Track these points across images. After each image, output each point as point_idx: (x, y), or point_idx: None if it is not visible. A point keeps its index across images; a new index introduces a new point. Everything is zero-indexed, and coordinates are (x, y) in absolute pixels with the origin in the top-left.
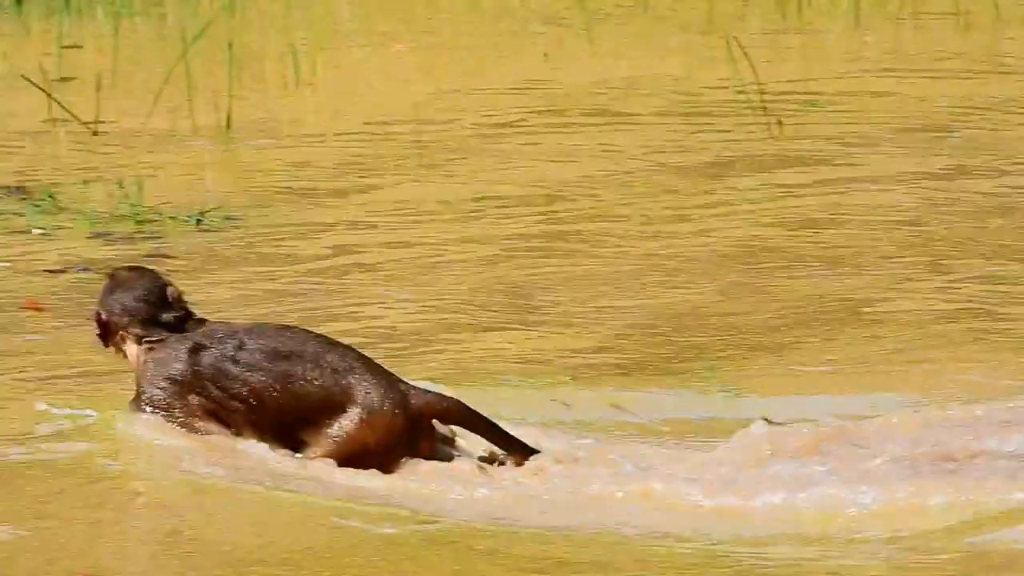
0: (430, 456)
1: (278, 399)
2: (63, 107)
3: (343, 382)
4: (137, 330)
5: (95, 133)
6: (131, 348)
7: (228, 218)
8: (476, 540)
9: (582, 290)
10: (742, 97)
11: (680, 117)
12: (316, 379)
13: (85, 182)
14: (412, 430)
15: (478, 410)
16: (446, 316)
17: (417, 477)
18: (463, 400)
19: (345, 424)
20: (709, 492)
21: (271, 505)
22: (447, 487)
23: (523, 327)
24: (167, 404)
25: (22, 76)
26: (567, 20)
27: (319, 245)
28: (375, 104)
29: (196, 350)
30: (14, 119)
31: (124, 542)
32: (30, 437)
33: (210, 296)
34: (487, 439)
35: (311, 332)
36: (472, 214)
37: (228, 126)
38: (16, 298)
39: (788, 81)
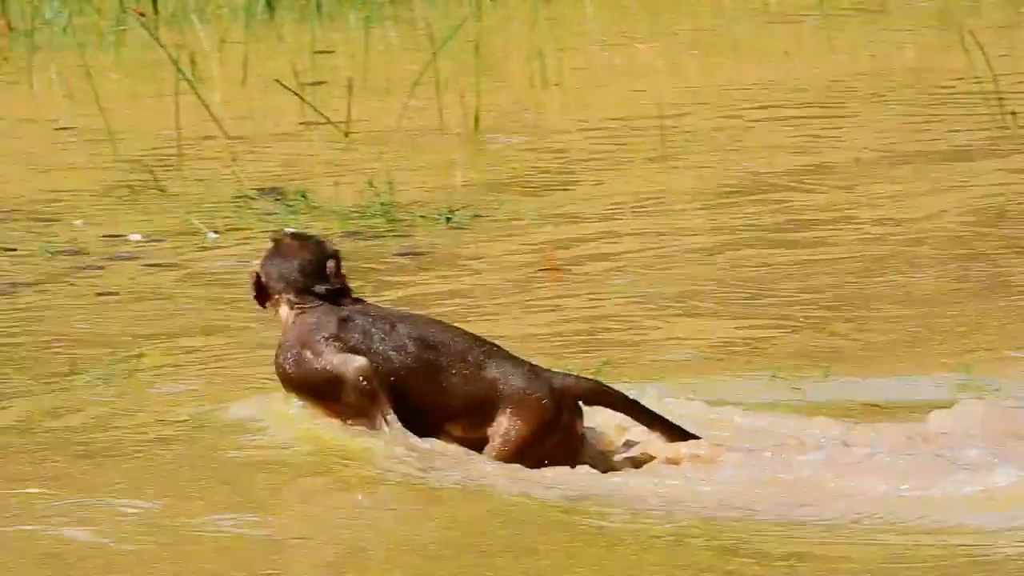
0: (581, 438)
1: (420, 387)
2: (316, 110)
3: (489, 376)
4: (291, 296)
5: (347, 134)
6: (283, 310)
7: (477, 215)
8: (720, 535)
9: (819, 279)
10: (976, 88)
11: (915, 108)
12: (462, 372)
13: (337, 182)
14: (561, 413)
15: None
16: (685, 304)
17: (624, 474)
18: (707, 388)
19: (502, 422)
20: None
21: (490, 504)
22: (666, 481)
23: (757, 316)
24: (305, 363)
25: (276, 81)
26: (806, 18)
27: (567, 238)
28: (618, 102)
29: (345, 321)
30: (269, 122)
31: (366, 543)
32: (261, 430)
33: (459, 288)
34: (635, 419)
35: (457, 328)
36: (712, 205)
37: (476, 126)
38: None
39: (1022, 73)
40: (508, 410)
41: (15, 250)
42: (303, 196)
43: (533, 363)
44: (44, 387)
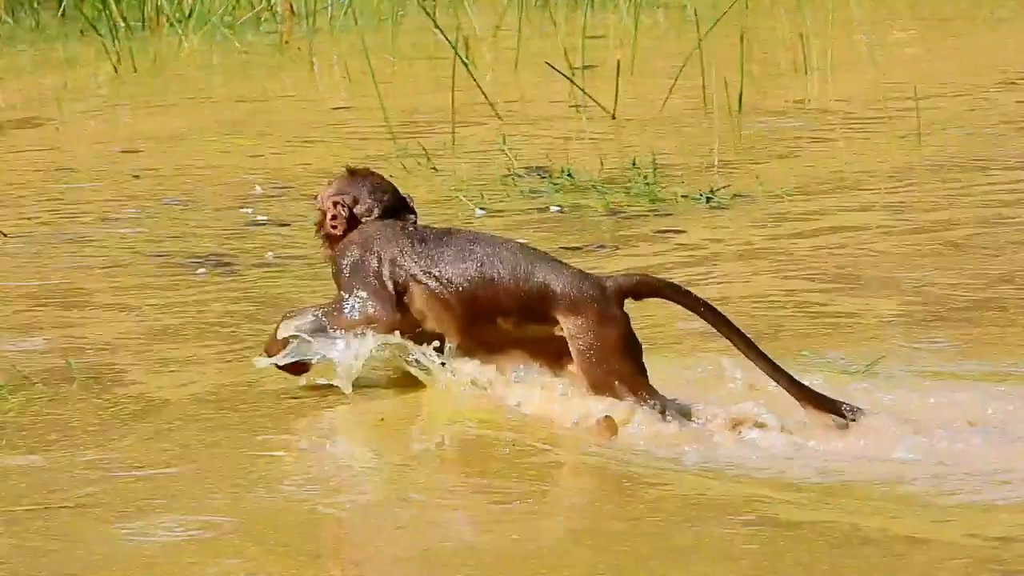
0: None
1: (474, 291)
2: (585, 93)
3: (539, 278)
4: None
5: (613, 116)
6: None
7: (737, 195)
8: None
9: None
10: None
11: None
12: (514, 275)
13: (602, 162)
14: (612, 306)
15: None
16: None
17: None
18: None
19: (568, 327)
20: None
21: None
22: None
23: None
24: (360, 269)
25: (546, 63)
26: None
27: (826, 224)
28: (878, 86)
29: (407, 234)
30: (541, 105)
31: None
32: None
33: (716, 269)
34: (683, 305)
35: (509, 240)
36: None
37: (739, 108)
38: None
39: None
40: (563, 309)
41: (289, 225)
42: (568, 175)
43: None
44: None
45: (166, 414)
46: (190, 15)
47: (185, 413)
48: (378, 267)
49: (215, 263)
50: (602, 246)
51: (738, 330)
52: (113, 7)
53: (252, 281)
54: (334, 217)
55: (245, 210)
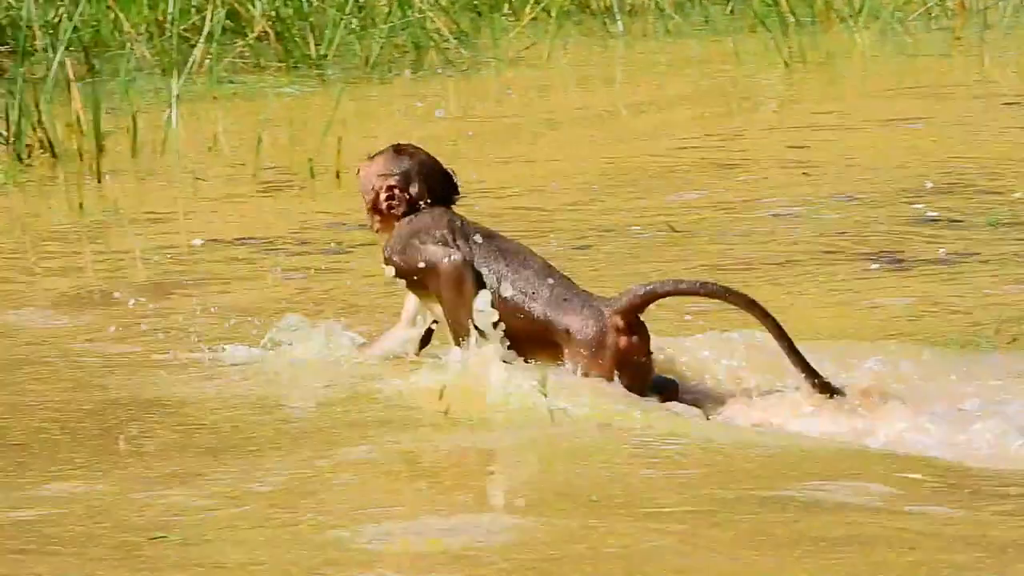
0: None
1: (501, 303)
2: None
3: (549, 313)
4: (424, 204)
5: None
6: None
7: None
8: None
9: None
10: None
11: None
12: (531, 299)
13: None
14: (608, 335)
15: None
16: None
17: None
18: None
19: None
20: None
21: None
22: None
23: None
24: (411, 250)
25: None
26: None
27: None
28: None
29: (456, 225)
30: None
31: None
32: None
33: None
34: (683, 294)
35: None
36: None
37: None
38: None
39: None
40: (565, 346)
41: (961, 222)
42: None
43: (588, 293)
44: None
45: None
46: (860, 10)
47: None
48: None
49: (888, 259)
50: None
51: (743, 296)
52: (783, 2)
53: (920, 279)
54: (390, 198)
55: (916, 206)
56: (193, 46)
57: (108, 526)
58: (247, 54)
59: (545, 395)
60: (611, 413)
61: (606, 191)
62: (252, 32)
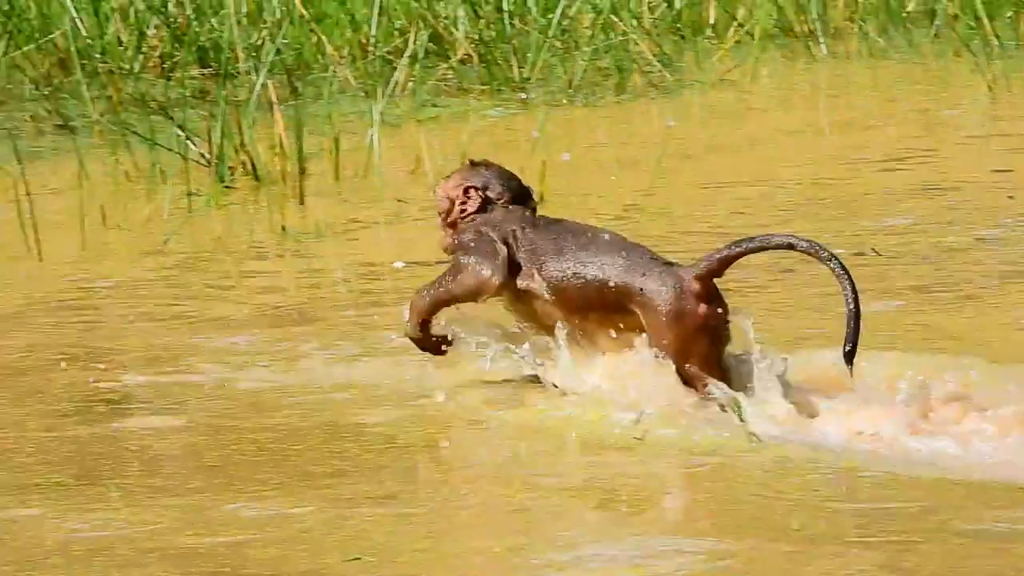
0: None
1: (570, 288)
2: None
3: (626, 280)
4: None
5: None
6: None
7: None
8: None
9: None
10: None
11: None
12: (604, 272)
13: None
14: (686, 302)
15: None
16: None
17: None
18: None
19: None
20: None
21: None
22: None
23: None
24: (477, 239)
25: None
26: None
27: None
28: None
29: (532, 222)
30: None
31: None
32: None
33: None
34: (754, 251)
35: (614, 234)
36: None
37: None
38: None
39: None
40: (640, 305)
41: None
42: None
43: (667, 260)
44: None
45: None
46: None
47: None
48: (494, 238)
49: None
50: None
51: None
52: (987, 27)
53: None
54: (464, 202)
55: None
56: (396, 69)
57: (303, 548)
58: (450, 76)
59: (742, 419)
60: (811, 438)
61: (809, 212)
62: (455, 55)
